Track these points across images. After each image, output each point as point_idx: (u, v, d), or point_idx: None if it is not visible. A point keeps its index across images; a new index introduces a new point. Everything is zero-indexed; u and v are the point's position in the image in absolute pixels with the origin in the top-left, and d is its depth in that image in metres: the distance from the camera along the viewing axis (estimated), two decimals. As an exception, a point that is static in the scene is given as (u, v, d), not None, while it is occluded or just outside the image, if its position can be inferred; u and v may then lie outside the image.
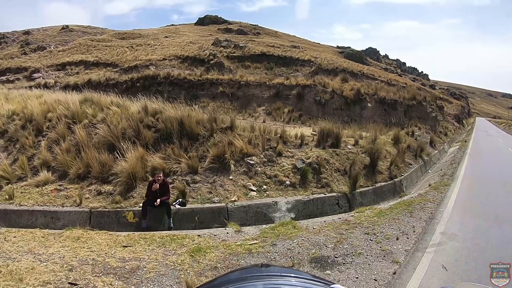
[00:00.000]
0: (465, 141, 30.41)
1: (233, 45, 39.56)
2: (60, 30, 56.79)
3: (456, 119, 44.64)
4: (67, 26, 58.86)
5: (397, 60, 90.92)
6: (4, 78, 34.73)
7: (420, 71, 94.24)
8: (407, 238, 7.54)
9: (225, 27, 60.30)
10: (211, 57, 35.28)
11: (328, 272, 5.92)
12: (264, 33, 61.94)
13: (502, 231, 8.12)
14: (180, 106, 12.54)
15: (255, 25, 67.77)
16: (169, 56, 36.08)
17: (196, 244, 7.23)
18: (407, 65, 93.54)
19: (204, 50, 37.44)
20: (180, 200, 9.41)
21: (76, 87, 23.60)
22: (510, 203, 10.77)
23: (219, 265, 6.21)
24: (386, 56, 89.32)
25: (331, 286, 1.89)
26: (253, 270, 2.31)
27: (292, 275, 2.02)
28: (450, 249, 7.02)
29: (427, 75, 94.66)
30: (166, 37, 49.31)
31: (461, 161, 18.82)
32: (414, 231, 7.94)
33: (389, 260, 6.41)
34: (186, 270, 5.99)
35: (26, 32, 55.16)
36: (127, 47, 41.82)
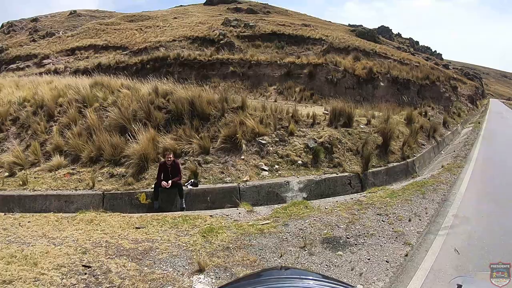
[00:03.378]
0: (479, 123, 29.92)
1: (243, 25, 39.10)
2: (68, 16, 56.66)
3: (469, 100, 43.93)
4: (75, 11, 58.65)
5: (410, 39, 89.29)
6: (14, 66, 34.94)
7: (433, 50, 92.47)
8: (420, 220, 7.49)
9: (235, 6, 59.50)
10: (221, 37, 34.92)
11: (340, 253, 5.91)
12: (274, 12, 61.09)
13: None
14: (191, 86, 12.47)
15: (265, 4, 66.75)
16: (179, 37, 35.85)
17: (208, 224, 7.27)
18: (420, 44, 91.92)
19: (213, 30, 37.07)
20: (192, 180, 9.43)
21: (86, 71, 23.58)
22: None
23: (231, 245, 6.22)
24: (398, 35, 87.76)
25: None
26: (273, 273, 2.30)
27: (311, 277, 1.99)
28: (463, 232, 6.96)
29: (441, 54, 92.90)
30: (175, 18, 48.93)
31: (475, 143, 18.54)
32: (426, 213, 7.88)
33: (401, 242, 6.38)
34: (199, 250, 6.02)
35: (34, 19, 55.08)
36: (136, 30, 41.62)
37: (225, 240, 6.45)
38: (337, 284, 1.93)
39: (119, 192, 9.27)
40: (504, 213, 8.11)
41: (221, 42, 33.98)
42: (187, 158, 10.21)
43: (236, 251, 6.00)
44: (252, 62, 29.18)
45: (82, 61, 33.23)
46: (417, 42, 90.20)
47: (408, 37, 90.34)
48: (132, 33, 40.10)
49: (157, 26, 42.66)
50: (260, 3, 66.11)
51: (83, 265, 5.44)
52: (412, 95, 26.20)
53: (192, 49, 32.74)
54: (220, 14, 50.44)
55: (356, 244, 6.26)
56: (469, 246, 6.29)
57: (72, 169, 10.30)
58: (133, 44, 35.89)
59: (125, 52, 34.13)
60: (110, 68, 28.87)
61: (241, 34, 36.68)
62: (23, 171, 10.41)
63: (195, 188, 9.30)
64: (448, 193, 9.46)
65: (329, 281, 1.96)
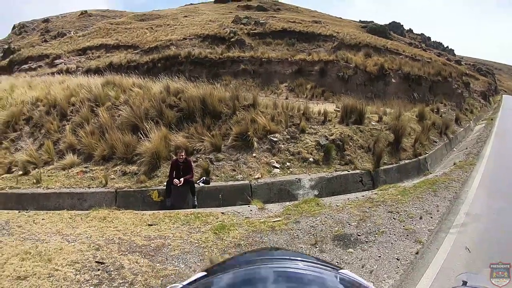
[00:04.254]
0: (492, 119, 29.58)
1: (253, 22, 39.01)
2: (79, 16, 56.97)
3: (482, 96, 43.45)
4: (85, 11, 58.91)
5: (422, 35, 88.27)
6: (26, 66, 35.28)
7: (445, 46, 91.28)
8: (431, 217, 7.44)
9: (245, 4, 59.32)
10: (231, 34, 34.86)
11: (350, 250, 5.92)
12: (285, 9, 60.82)
13: None
14: (202, 85, 12.53)
15: (275, 1, 66.55)
16: (189, 36, 35.89)
17: (220, 221, 7.31)
18: (432, 39, 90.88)
19: (224, 28, 37.06)
20: (204, 178, 9.52)
21: (97, 71, 23.74)
22: None
23: (242, 242, 6.26)
24: (410, 31, 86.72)
25: (339, 271, 1.89)
26: (263, 253, 2.33)
27: (299, 258, 2.03)
28: (474, 230, 6.91)
29: (453, 50, 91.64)
30: (186, 16, 49.01)
31: (487, 140, 18.34)
32: (438, 211, 7.82)
33: (412, 240, 6.35)
34: (210, 247, 6.07)
35: (46, 20, 55.44)
36: (147, 29, 41.78)
37: (236, 237, 6.49)
38: (324, 265, 1.96)
39: (132, 189, 9.39)
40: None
41: (232, 40, 33.95)
42: (198, 156, 10.30)
43: (248, 248, 6.03)
44: (263, 59, 29.08)
45: (94, 61, 33.41)
46: (429, 38, 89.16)
47: (419, 33, 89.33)
48: (142, 32, 40.27)
49: (168, 25, 42.79)
50: (271, 0, 65.91)
51: (96, 261, 5.52)
52: (424, 92, 26.01)
53: (203, 47, 32.74)
54: (231, 12, 50.39)
55: (367, 242, 6.25)
56: (480, 244, 6.26)
57: (85, 167, 10.45)
58: (144, 43, 36.03)
59: (136, 51, 34.27)
60: (122, 67, 29.07)
61: (251, 31, 36.62)
62: (36, 169, 10.61)
63: (207, 185, 9.38)
64: (460, 191, 9.38)
65: (317, 262, 2.00)
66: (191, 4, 72.60)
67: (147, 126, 10.75)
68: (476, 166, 12.22)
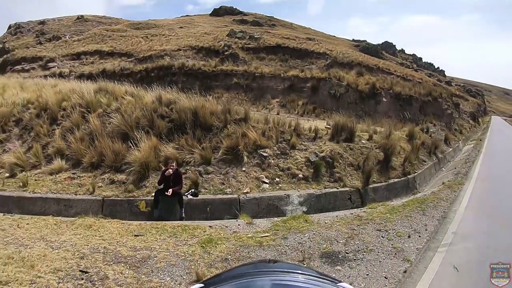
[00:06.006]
0: (480, 140, 29.86)
1: (248, 37, 39.26)
2: (75, 20, 56.87)
3: (471, 117, 43.97)
4: (82, 16, 58.87)
5: (413, 55, 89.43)
6: (19, 67, 35.12)
7: (436, 67, 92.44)
8: (419, 236, 7.44)
9: (240, 18, 59.82)
10: (225, 48, 35.03)
11: (338, 267, 5.89)
12: (279, 25, 61.41)
13: None
14: (194, 96, 12.51)
15: (271, 16, 67.17)
16: (184, 47, 35.99)
17: (207, 235, 7.25)
18: (423, 60, 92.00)
19: (219, 41, 37.21)
20: (193, 190, 9.44)
21: (90, 77, 23.61)
22: None
23: (229, 257, 6.20)
24: (402, 51, 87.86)
25: (338, 284, 1.87)
26: (260, 265, 2.30)
27: (300, 271, 2.00)
28: (462, 249, 6.91)
29: (443, 71, 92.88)
30: (181, 27, 49.25)
31: (476, 160, 18.48)
32: (426, 230, 7.83)
33: (400, 258, 6.34)
34: (197, 261, 6.00)
35: (41, 22, 55.24)
36: (142, 37, 41.83)
37: (223, 251, 6.43)
38: (323, 278, 1.94)
39: (119, 198, 9.29)
40: (503, 231, 8.05)
41: (226, 53, 34.10)
42: (188, 168, 10.23)
43: (235, 262, 5.97)
44: (256, 74, 29.19)
45: (87, 66, 33.27)
46: (420, 59, 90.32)
47: (411, 53, 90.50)
48: (137, 41, 40.31)
49: (163, 35, 42.88)
50: (266, 16, 66.52)
51: (80, 270, 5.42)
52: (414, 111, 26.22)
53: (197, 59, 32.83)
54: (226, 26, 50.75)
55: (355, 259, 6.23)
56: (468, 263, 6.25)
57: (73, 173, 10.33)
58: (138, 51, 36.02)
59: (130, 59, 34.23)
60: (115, 74, 28.89)
61: (245, 46, 36.80)
62: (23, 172, 10.46)
63: (195, 198, 9.31)
64: (448, 210, 9.40)
65: (316, 275, 1.97)
66: (187, 15, 73.07)
67: (137, 135, 10.67)
68: (464, 186, 12.26)
